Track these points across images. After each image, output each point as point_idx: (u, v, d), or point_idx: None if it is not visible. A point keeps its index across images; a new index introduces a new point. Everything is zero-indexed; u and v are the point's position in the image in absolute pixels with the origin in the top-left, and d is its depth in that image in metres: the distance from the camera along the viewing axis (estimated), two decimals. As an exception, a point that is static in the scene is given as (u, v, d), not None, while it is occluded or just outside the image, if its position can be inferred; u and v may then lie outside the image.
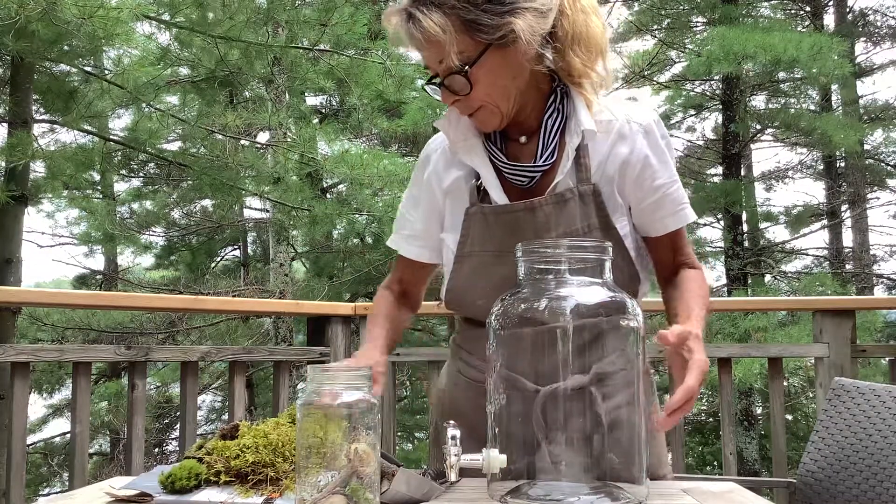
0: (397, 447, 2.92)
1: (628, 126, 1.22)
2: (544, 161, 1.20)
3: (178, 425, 5.19)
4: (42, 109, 6.91)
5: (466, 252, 1.25)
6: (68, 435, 5.54)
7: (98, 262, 10.89)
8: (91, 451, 9.53)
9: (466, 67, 1.13)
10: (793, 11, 11.06)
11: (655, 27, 10.28)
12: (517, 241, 1.13)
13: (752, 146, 10.62)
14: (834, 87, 10.30)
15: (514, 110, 1.20)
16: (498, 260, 1.22)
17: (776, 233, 11.68)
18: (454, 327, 1.44)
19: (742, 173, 9.97)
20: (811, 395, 8.83)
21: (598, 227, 1.21)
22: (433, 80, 1.19)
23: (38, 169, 6.59)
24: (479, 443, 1.21)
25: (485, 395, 1.27)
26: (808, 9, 10.65)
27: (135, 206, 10.48)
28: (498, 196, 1.22)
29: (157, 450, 9.54)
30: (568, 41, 1.17)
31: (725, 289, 9.55)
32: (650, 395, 1.29)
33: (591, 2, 1.20)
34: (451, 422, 0.97)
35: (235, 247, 11.48)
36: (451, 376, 1.37)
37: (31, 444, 9.22)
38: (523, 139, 1.24)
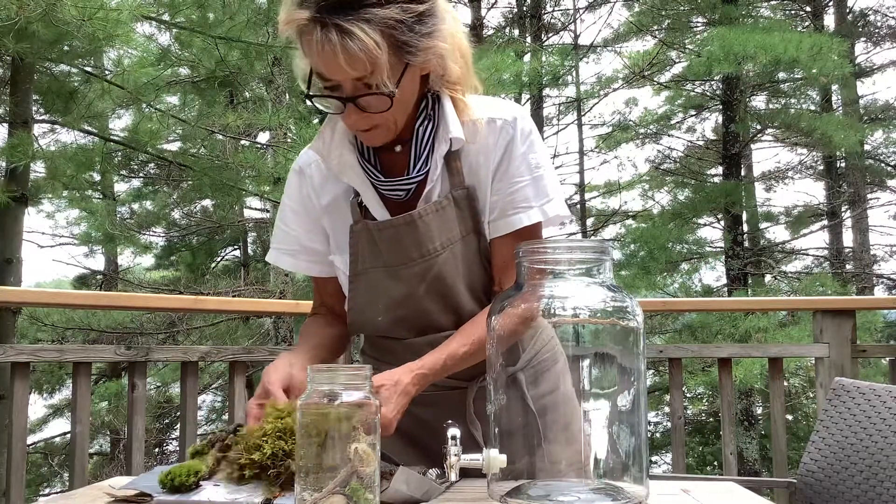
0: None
1: (495, 123, 1.21)
2: (418, 171, 1.19)
3: (178, 425, 5.19)
4: (42, 110, 6.91)
5: (360, 270, 1.24)
6: (68, 435, 5.54)
7: (98, 262, 10.89)
8: (91, 451, 9.53)
9: (395, 89, 1.08)
10: (793, 11, 11.07)
11: (655, 27, 10.29)
12: (402, 256, 1.18)
13: (752, 146, 10.62)
14: (834, 87, 10.30)
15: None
16: (390, 275, 1.21)
17: (776, 233, 11.69)
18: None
19: (742, 173, 9.97)
20: (811, 395, 8.84)
21: (473, 232, 1.21)
22: (329, 95, 1.11)
23: (38, 169, 6.59)
24: (414, 447, 1.22)
25: (412, 400, 1.26)
26: (808, 9, 10.66)
27: (135, 206, 10.48)
28: (378, 211, 1.21)
29: (157, 450, 9.54)
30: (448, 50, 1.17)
31: (725, 289, 9.55)
32: None
33: (453, 11, 1.19)
34: (451, 421, 0.97)
35: (235, 247, 11.48)
36: None
37: (31, 444, 9.22)
38: (398, 148, 1.21)
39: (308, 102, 1.15)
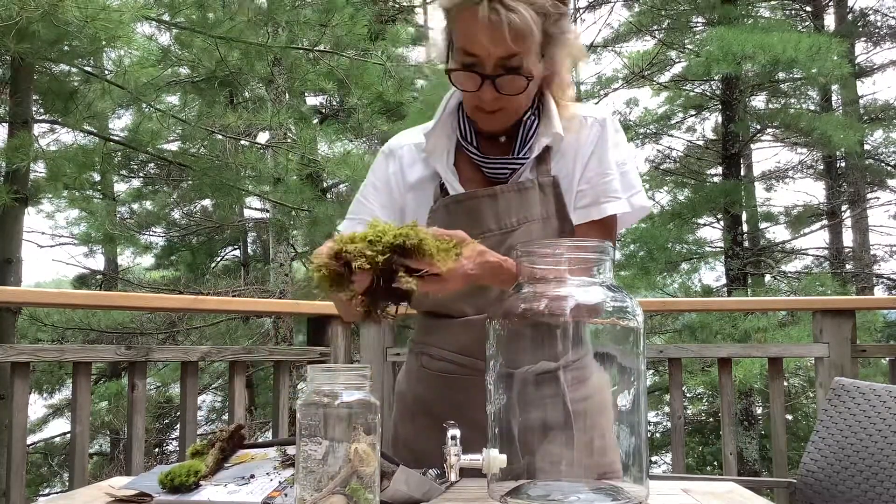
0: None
1: (587, 121, 1.31)
2: (523, 155, 1.27)
3: (178, 425, 5.19)
4: (42, 110, 6.91)
5: None
6: (68, 435, 5.53)
7: (98, 262, 10.88)
8: (91, 451, 9.52)
9: (535, 73, 1.19)
10: (793, 11, 11.06)
11: (655, 27, 10.28)
12: (479, 228, 1.23)
13: (752, 146, 10.61)
14: (834, 87, 10.29)
15: None
16: None
17: (776, 233, 11.67)
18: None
19: (742, 173, 9.97)
20: (811, 395, 8.83)
21: (556, 217, 1.27)
22: (470, 69, 1.19)
23: (38, 169, 6.58)
24: (443, 430, 1.23)
25: (452, 384, 1.29)
26: (808, 9, 10.65)
27: (135, 206, 10.48)
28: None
29: (157, 450, 9.53)
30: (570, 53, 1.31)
31: (725, 289, 9.55)
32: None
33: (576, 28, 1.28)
34: (451, 421, 0.97)
35: (235, 247, 11.48)
36: (413, 373, 1.38)
37: (31, 444, 9.22)
38: (502, 139, 1.30)
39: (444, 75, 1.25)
